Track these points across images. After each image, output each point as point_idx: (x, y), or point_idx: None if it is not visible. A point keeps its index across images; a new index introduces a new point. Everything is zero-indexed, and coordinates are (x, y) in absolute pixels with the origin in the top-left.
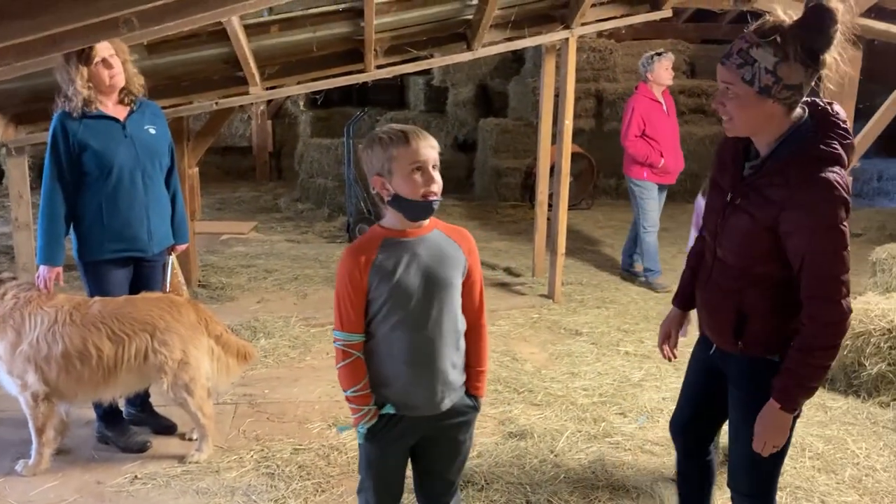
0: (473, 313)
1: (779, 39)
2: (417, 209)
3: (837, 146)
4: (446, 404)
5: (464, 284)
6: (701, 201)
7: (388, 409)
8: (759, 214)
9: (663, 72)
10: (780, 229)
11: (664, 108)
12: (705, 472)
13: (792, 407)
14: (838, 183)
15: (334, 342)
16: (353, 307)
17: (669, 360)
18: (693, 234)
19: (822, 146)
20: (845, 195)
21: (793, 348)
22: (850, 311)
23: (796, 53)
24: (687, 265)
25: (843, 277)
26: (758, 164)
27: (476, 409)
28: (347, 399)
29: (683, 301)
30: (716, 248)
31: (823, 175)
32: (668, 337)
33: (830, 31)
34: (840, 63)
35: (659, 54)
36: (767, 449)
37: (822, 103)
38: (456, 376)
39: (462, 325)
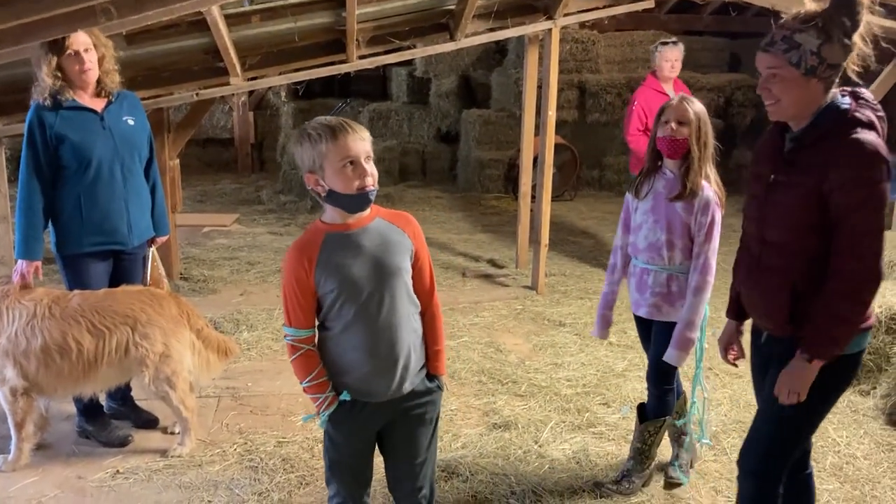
0: (425, 295)
1: (821, 23)
2: (353, 202)
3: (871, 114)
4: (406, 388)
5: (413, 268)
6: (629, 199)
7: (345, 396)
8: (803, 182)
9: (664, 63)
10: (824, 191)
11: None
12: (804, 490)
13: (812, 354)
14: (874, 143)
15: (285, 337)
16: (301, 305)
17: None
18: (619, 230)
19: (856, 113)
20: (883, 154)
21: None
22: (881, 273)
23: (837, 35)
24: (734, 278)
25: (874, 234)
26: (798, 135)
27: (440, 388)
28: (304, 390)
29: (737, 312)
30: (763, 234)
31: (859, 135)
32: (729, 349)
33: (860, 13)
34: (862, 45)
35: (665, 43)
36: (791, 398)
37: (850, 87)
38: (415, 359)
39: (416, 307)
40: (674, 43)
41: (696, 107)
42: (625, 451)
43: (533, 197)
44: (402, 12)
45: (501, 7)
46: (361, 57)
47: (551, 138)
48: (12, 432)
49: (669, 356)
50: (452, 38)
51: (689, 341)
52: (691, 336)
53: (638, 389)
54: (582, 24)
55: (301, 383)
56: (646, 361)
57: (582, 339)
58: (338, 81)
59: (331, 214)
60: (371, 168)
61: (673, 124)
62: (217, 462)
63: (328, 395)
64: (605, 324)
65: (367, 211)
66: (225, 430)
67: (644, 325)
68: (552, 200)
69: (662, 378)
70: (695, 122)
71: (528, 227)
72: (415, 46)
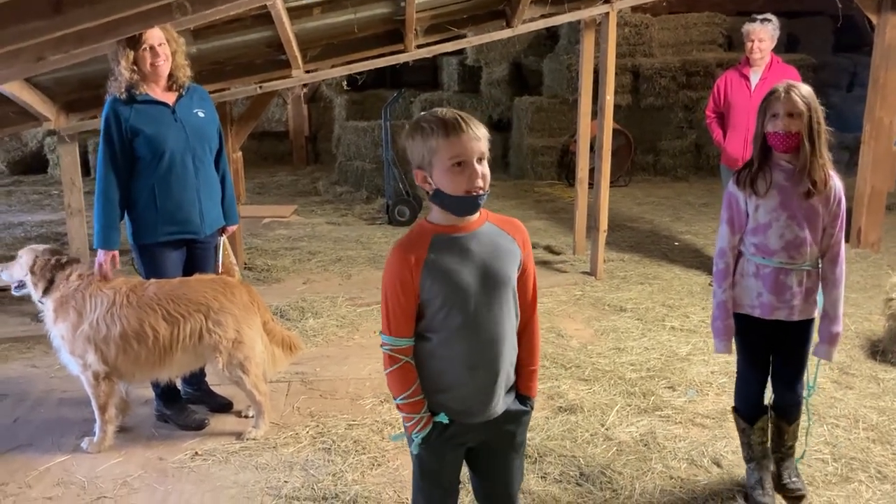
0: (527, 309)
1: None
2: (460, 205)
3: None
4: (501, 408)
5: (518, 279)
6: (739, 196)
7: (442, 419)
8: None
9: (746, 43)
10: None
11: (751, 86)
12: None
13: None
14: None
15: (381, 346)
16: (402, 310)
17: None
18: (725, 231)
19: None
20: None
21: None
22: None
23: None
24: None
25: None
26: None
27: (531, 409)
28: (398, 407)
29: None
30: None
31: None
32: None
33: None
34: None
35: (753, 20)
36: None
37: None
38: (511, 377)
39: (518, 321)
40: (762, 20)
41: (805, 92)
42: (693, 433)
43: (590, 183)
44: (459, 0)
45: None
46: (419, 46)
47: (609, 123)
48: (96, 415)
49: (823, 353)
50: (509, 25)
51: (839, 336)
52: (840, 330)
53: (703, 373)
54: (635, 8)
55: (395, 399)
56: (709, 346)
57: (644, 323)
58: (389, 72)
59: (438, 215)
60: (483, 169)
61: (784, 120)
62: (291, 444)
63: (423, 416)
64: (729, 335)
65: (477, 214)
66: (297, 414)
67: (767, 329)
68: None
69: (801, 379)
70: (806, 113)
71: (586, 213)
72: (471, 34)
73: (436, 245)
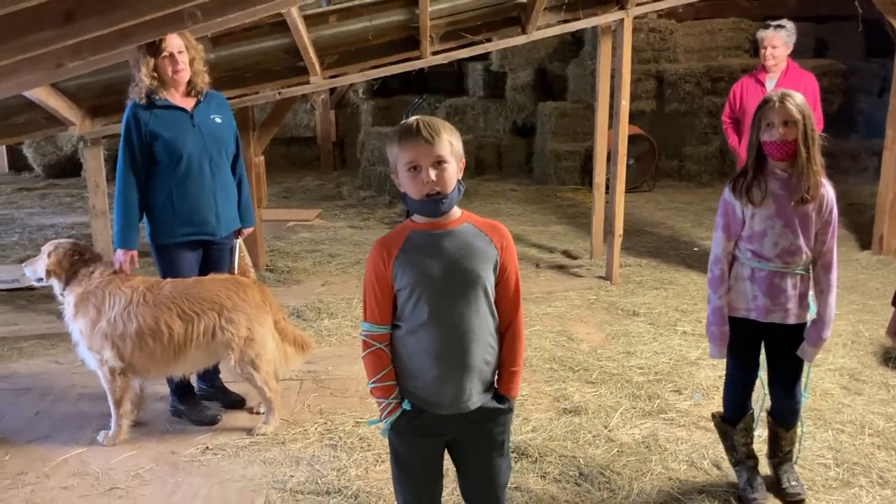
0: (508, 310)
1: None
2: (422, 207)
3: None
4: (474, 403)
5: (497, 281)
6: (735, 205)
7: (406, 406)
8: None
9: (761, 49)
10: None
11: (766, 92)
12: None
13: None
14: None
15: (361, 333)
16: (377, 298)
17: None
18: (720, 238)
19: None
20: None
21: None
22: None
23: None
24: None
25: None
26: None
27: (510, 410)
28: (371, 391)
29: None
30: None
31: None
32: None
33: None
34: None
35: (767, 26)
36: None
37: None
38: (487, 375)
39: (495, 321)
40: (776, 27)
41: (798, 101)
42: (695, 436)
43: (608, 188)
44: (474, 7)
45: None
46: (435, 53)
47: (625, 128)
48: (112, 409)
49: (806, 353)
50: (524, 32)
51: (824, 341)
52: (828, 336)
53: (711, 377)
54: (659, 14)
55: (368, 383)
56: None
57: (655, 328)
58: (415, 78)
59: (418, 214)
60: (439, 174)
61: (780, 129)
62: (299, 440)
63: (391, 402)
64: (724, 340)
65: (458, 213)
66: (307, 411)
67: (761, 333)
68: (630, 191)
69: (799, 385)
70: (801, 121)
71: (603, 218)
72: (489, 40)
73: (411, 240)
